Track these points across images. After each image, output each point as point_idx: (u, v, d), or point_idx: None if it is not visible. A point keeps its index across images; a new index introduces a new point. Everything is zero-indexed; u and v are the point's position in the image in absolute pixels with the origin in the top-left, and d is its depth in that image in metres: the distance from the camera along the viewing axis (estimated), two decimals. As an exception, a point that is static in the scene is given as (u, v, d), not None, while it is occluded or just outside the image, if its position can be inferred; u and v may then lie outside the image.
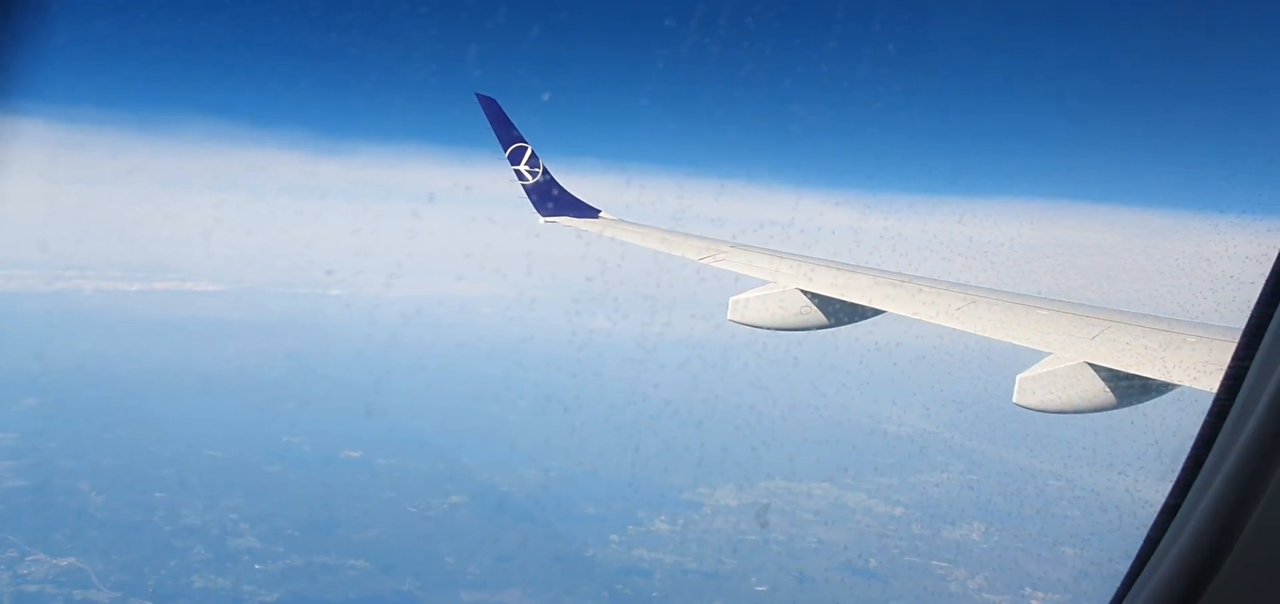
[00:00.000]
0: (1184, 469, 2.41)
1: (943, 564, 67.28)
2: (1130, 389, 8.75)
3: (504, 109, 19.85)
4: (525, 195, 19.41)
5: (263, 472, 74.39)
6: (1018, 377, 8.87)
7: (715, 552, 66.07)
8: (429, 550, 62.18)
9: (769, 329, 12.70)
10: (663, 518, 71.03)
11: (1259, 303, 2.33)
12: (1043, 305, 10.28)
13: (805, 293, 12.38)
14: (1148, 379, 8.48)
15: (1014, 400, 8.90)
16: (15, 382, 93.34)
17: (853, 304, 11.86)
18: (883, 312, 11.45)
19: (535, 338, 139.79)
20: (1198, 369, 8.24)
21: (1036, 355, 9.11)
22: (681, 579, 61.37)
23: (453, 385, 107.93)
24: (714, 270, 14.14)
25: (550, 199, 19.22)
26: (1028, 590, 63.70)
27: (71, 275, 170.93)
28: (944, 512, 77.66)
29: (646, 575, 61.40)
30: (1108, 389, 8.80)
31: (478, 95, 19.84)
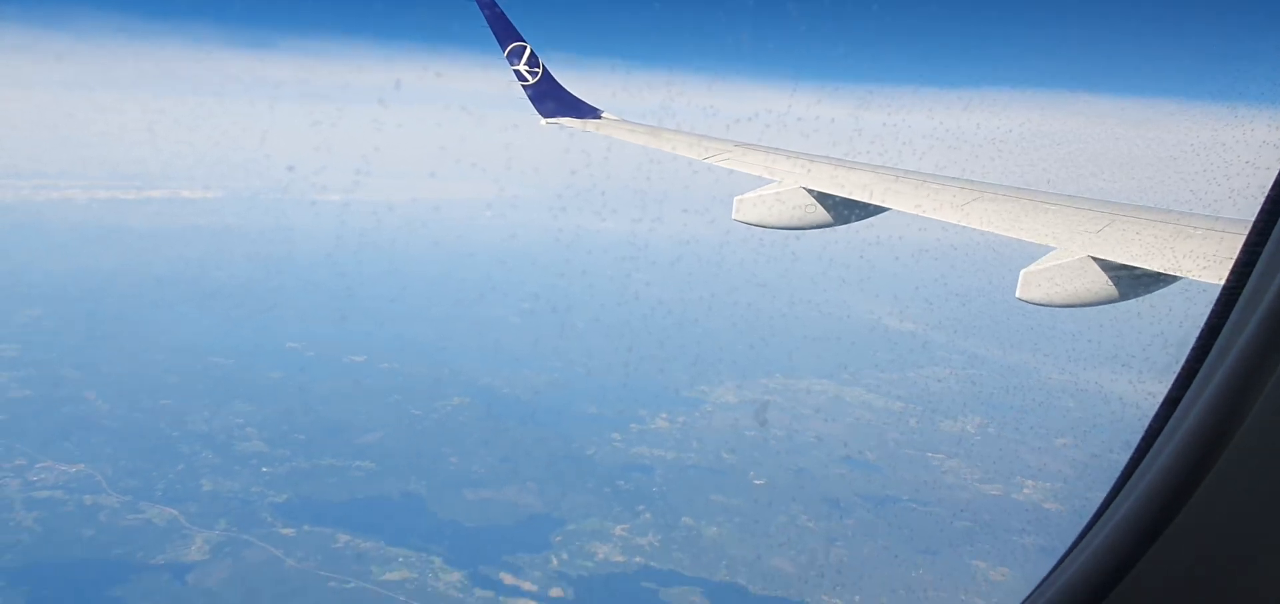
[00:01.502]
0: (1188, 360, 2.29)
1: (939, 456, 68.44)
2: (1134, 281, 8.62)
3: (502, 8, 19.31)
4: (525, 96, 19.03)
5: (267, 377, 75.05)
6: (1021, 271, 8.76)
7: (715, 447, 67.12)
8: (432, 451, 63.12)
9: (773, 228, 12.63)
10: (663, 416, 71.96)
11: (1269, 200, 2.18)
12: (1048, 199, 10.14)
13: (809, 191, 12.30)
14: (1153, 272, 8.34)
15: (1017, 295, 8.79)
16: (14, 293, 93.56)
17: (856, 202, 11.74)
18: (886, 208, 11.32)
19: (538, 241, 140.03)
20: (1205, 260, 8.08)
21: (1041, 250, 9.00)
22: (682, 474, 62.45)
23: (455, 290, 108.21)
24: (716, 169, 13.95)
25: (551, 99, 18.76)
26: (1020, 479, 64.92)
27: (64, 184, 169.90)
28: (942, 406, 78.76)
29: (647, 471, 62.46)
30: (1111, 282, 8.68)
31: None
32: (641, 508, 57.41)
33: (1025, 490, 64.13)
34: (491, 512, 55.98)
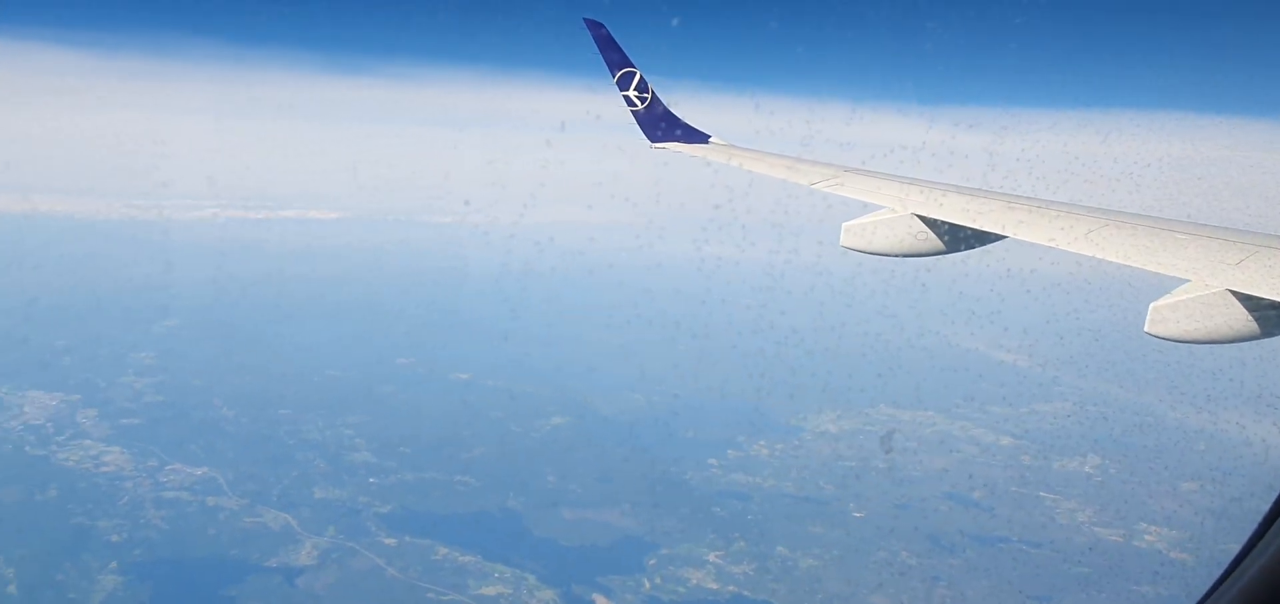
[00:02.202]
0: None
1: (1052, 496, 65.18)
2: (1277, 318, 8.01)
3: (612, 34, 19.60)
4: (634, 121, 19.25)
5: (378, 391, 77.89)
6: (1151, 305, 8.25)
7: (814, 477, 65.81)
8: (532, 469, 64.09)
9: (883, 255, 12.39)
10: (762, 443, 71.07)
11: None
12: (1182, 229, 9.50)
13: (922, 218, 11.97)
14: None
15: (1146, 329, 8.28)
16: (155, 304, 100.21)
17: (970, 228, 11.36)
18: (1003, 236, 10.89)
19: (636, 264, 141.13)
20: None
21: (1173, 283, 8.45)
22: (779, 503, 61.44)
23: (560, 311, 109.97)
24: (828, 196, 13.76)
25: (659, 124, 18.81)
26: (1143, 525, 61.14)
27: (203, 204, 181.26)
28: (1057, 444, 75.09)
29: (744, 499, 61.73)
30: (1251, 318, 8.07)
31: (586, 20, 19.62)
32: (736, 535, 56.73)
33: (1148, 537, 60.36)
34: (587, 532, 56.37)
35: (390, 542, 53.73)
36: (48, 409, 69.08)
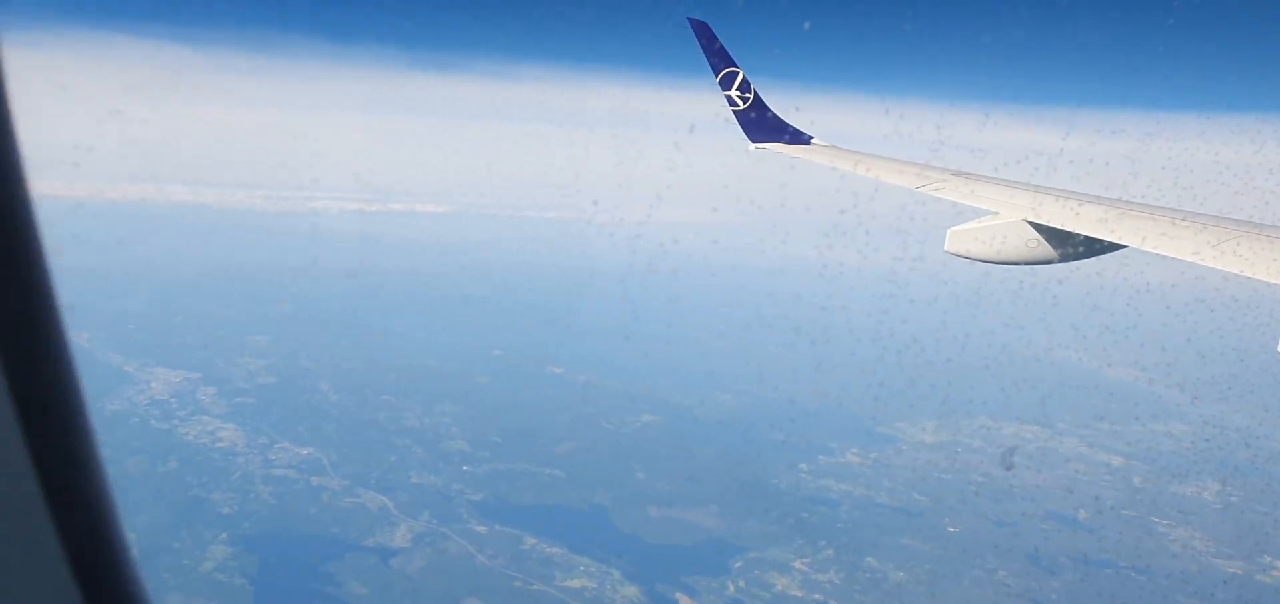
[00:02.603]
0: None
1: (1165, 522, 61.64)
2: None
3: (716, 34, 19.64)
4: (736, 121, 19.26)
5: (474, 382, 79.93)
6: None
7: (907, 488, 64.12)
8: (621, 465, 64.59)
9: (990, 262, 12.03)
10: (854, 450, 69.67)
11: None
12: None
13: (1033, 224, 11.53)
14: None
15: (1279, 349, 7.83)
16: (272, 290, 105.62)
17: (1087, 238, 10.89)
18: (1120, 246, 10.39)
19: (737, 264, 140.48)
20: None
21: None
22: (869, 513, 60.12)
23: (656, 310, 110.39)
24: (930, 199, 13.44)
25: (761, 125, 18.73)
26: (1268, 559, 57.15)
27: (320, 196, 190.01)
28: (1173, 467, 70.99)
29: (833, 506, 60.66)
30: None
31: (690, 20, 19.74)
32: (824, 543, 55.79)
33: (1274, 572, 56.41)
34: (673, 530, 56.44)
35: (481, 529, 55.05)
36: (172, 385, 73.60)
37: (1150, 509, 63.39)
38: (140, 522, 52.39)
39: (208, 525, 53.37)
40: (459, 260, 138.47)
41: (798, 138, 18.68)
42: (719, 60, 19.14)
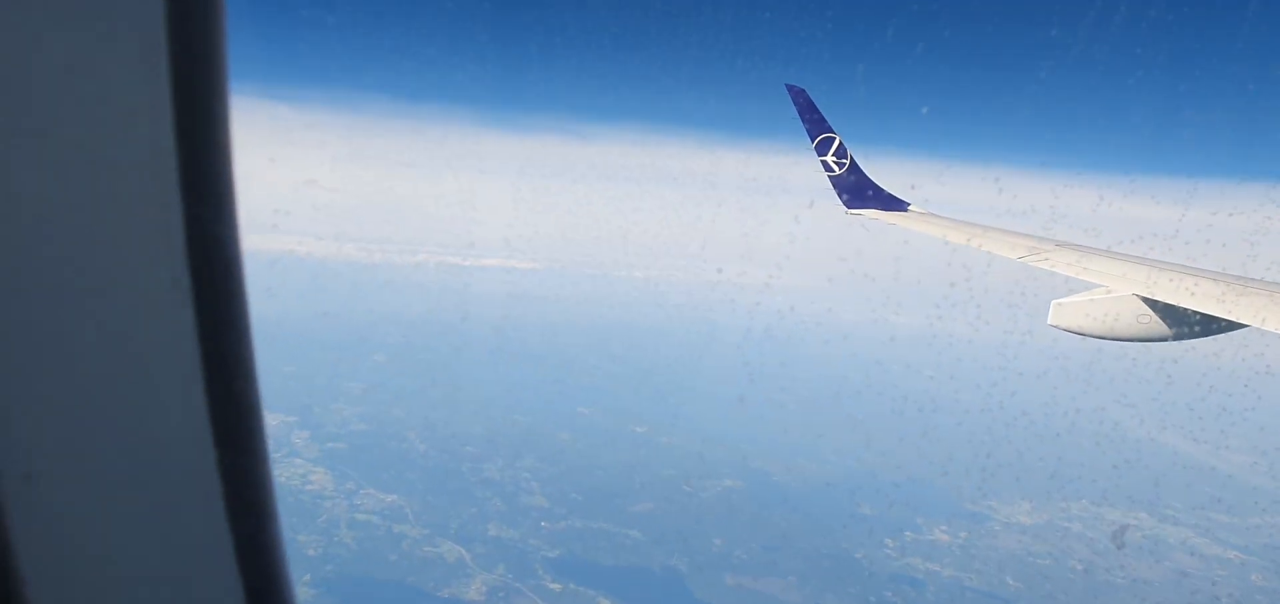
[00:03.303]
0: None
1: (1289, 625, 56.86)
2: None
3: (813, 99, 19.79)
4: (831, 186, 19.30)
5: (556, 438, 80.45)
6: None
7: (998, 570, 61.04)
8: (699, 530, 63.64)
9: (1096, 337, 11.59)
10: (943, 528, 66.90)
11: None
12: None
13: (1145, 299, 11.07)
14: None
15: None
16: (369, 339, 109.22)
17: (1203, 314, 10.35)
18: (1240, 325, 9.83)
19: (829, 329, 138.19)
20: None
21: None
22: (958, 595, 57.44)
23: (743, 372, 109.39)
24: (1035, 271, 13.06)
25: (857, 191, 18.71)
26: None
27: (418, 250, 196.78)
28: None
29: (918, 586, 58.20)
30: None
31: (788, 86, 19.96)
32: (907, 624, 53.53)
33: None
34: (749, 600, 55.19)
35: (555, 586, 54.96)
36: (271, 428, 74.58)
37: (1274, 611, 58.64)
38: (231, 558, 54.33)
39: (295, 566, 53.20)
40: (552, 317, 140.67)
41: (894, 204, 18.57)
42: (816, 126, 19.20)
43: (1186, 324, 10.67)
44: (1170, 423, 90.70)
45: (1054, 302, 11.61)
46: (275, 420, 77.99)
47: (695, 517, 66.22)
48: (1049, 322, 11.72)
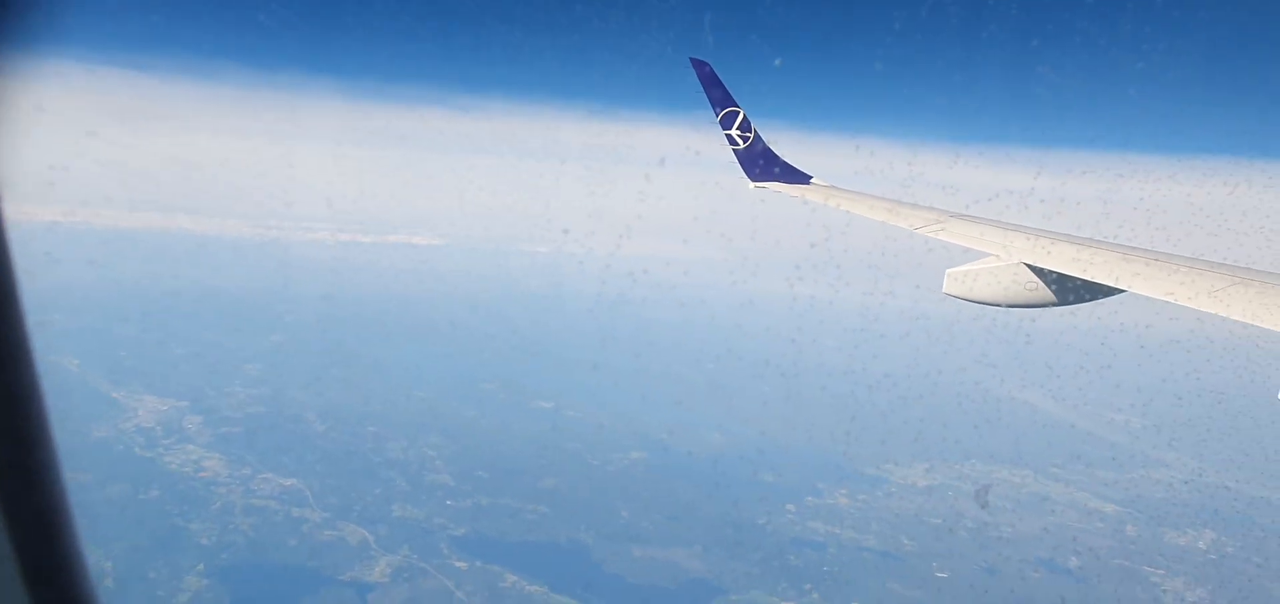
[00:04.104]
0: None
1: (1158, 572, 60.74)
2: None
3: (717, 73, 19.68)
4: (736, 160, 19.26)
5: (461, 415, 79.47)
6: None
7: (897, 531, 63.32)
8: (605, 503, 63.96)
9: (989, 305, 11.93)
10: (843, 492, 68.97)
11: None
12: None
13: (1032, 267, 11.46)
14: None
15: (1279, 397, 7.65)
16: (265, 319, 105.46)
17: (1084, 280, 10.75)
18: (1119, 290, 10.24)
19: (728, 303, 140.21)
20: None
21: None
22: (857, 556, 59.33)
23: (643, 345, 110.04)
24: (932, 242, 13.32)
25: (760, 164, 18.79)
26: (1262, 612, 56.26)
27: (315, 227, 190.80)
28: (1169, 516, 70.13)
29: (820, 549, 59.88)
30: None
31: (692, 59, 19.82)
32: (809, 586, 55.01)
33: (1267, 624, 55.51)
34: (655, 571, 55.73)
35: (461, 565, 54.41)
36: (159, 413, 73.25)
37: (1143, 558, 62.53)
38: (118, 549, 51.79)
39: (185, 555, 52.80)
40: (452, 293, 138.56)
41: (798, 177, 18.70)
42: (720, 99, 19.20)
43: (1071, 290, 11.13)
44: (1057, 385, 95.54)
45: (948, 271, 11.93)
46: (164, 406, 74.74)
47: (601, 490, 66.52)
48: (944, 290, 12.03)
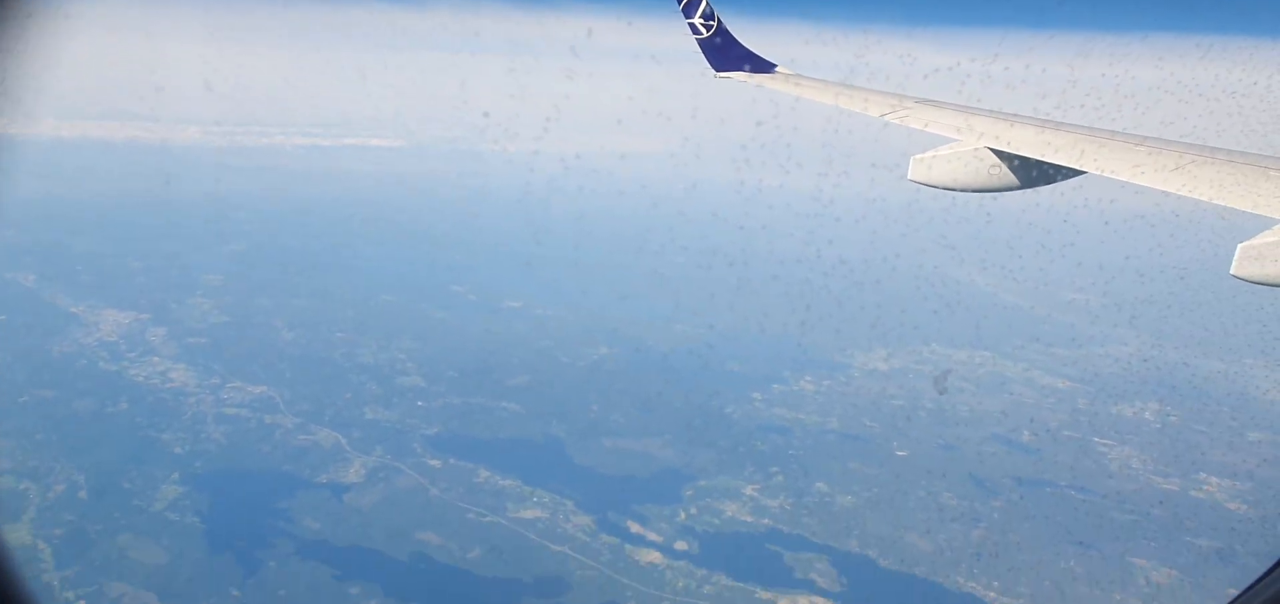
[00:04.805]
0: None
1: (1107, 442, 63.46)
2: None
3: None
4: (699, 49, 19.00)
5: (431, 317, 79.63)
6: (1239, 245, 7.85)
7: (859, 414, 65.26)
8: (576, 398, 65.02)
9: (952, 189, 12.12)
10: (808, 378, 70.64)
11: None
12: (1277, 167, 8.97)
13: (996, 151, 11.59)
14: None
15: (1231, 272, 7.92)
16: (223, 228, 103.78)
17: (1046, 163, 10.98)
18: (1081, 172, 10.50)
19: (697, 194, 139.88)
20: None
21: (1265, 223, 8.01)
22: (820, 440, 61.19)
23: (614, 239, 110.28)
24: (897, 127, 13.43)
25: (724, 53, 18.48)
26: (1202, 475, 59.16)
27: (272, 131, 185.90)
28: (1118, 389, 72.90)
29: (785, 434, 61.63)
30: None
31: None
32: (775, 470, 56.83)
33: (1207, 487, 58.43)
34: (627, 462, 57.13)
35: (434, 463, 55.35)
36: (121, 327, 72.55)
37: (1092, 430, 65.15)
38: (89, 462, 52.04)
39: (159, 465, 53.11)
40: (417, 195, 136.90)
41: (762, 66, 18.54)
42: None
43: (1034, 173, 11.39)
44: (1017, 267, 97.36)
45: (913, 157, 12.10)
46: (126, 319, 74.08)
47: (571, 386, 67.52)
48: (908, 176, 12.21)
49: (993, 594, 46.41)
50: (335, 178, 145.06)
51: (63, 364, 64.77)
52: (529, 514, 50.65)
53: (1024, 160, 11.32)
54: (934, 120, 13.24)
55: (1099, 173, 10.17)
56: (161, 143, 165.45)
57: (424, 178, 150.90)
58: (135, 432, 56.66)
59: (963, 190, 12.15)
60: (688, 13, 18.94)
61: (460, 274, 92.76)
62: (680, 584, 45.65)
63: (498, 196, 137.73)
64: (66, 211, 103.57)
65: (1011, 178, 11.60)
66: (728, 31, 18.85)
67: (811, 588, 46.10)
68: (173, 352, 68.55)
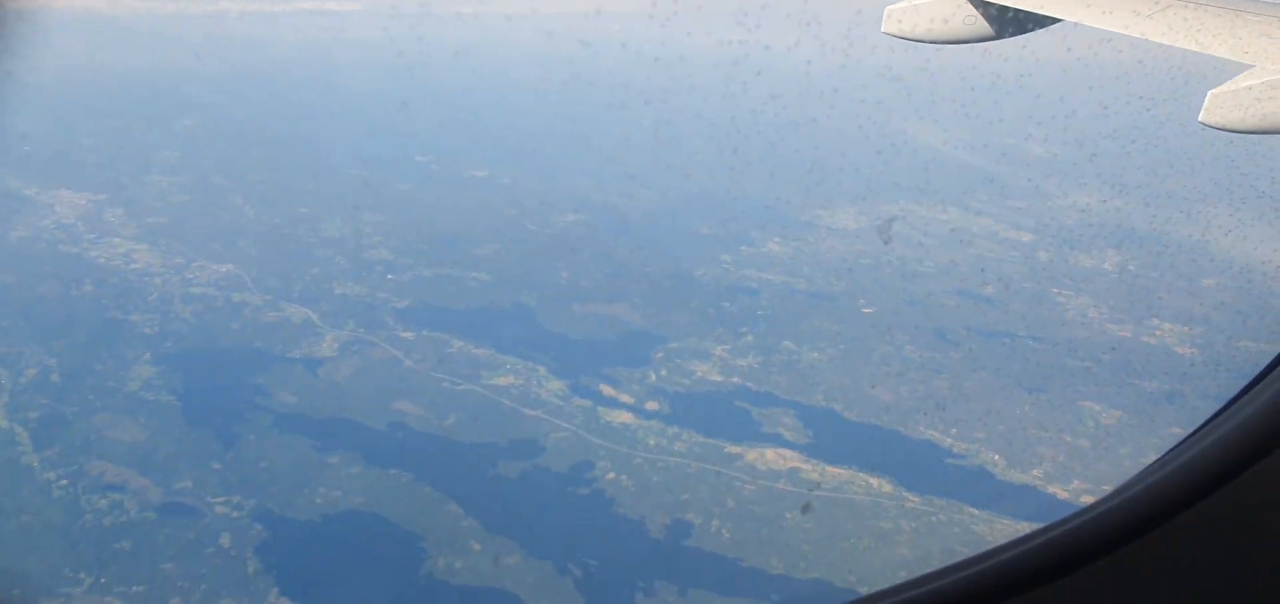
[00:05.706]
0: None
1: (1065, 293, 65.19)
2: None
3: None
4: None
5: (396, 189, 78.59)
6: (1209, 92, 7.86)
7: (826, 272, 66.27)
8: (545, 266, 65.27)
9: (928, 41, 11.91)
10: (776, 239, 71.24)
11: None
12: (1253, 11, 8.86)
13: (971, 0, 11.45)
14: None
15: (1200, 119, 7.97)
16: (174, 102, 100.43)
17: (1024, 12, 10.81)
18: (1057, 20, 10.36)
19: (661, 54, 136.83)
20: None
21: (1236, 69, 7.97)
22: (788, 299, 62.27)
23: (582, 104, 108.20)
24: None
25: None
26: (1154, 321, 61.23)
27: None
28: (1079, 240, 74.28)
29: (753, 294, 62.59)
30: None
31: None
32: (744, 330, 57.95)
33: (1157, 333, 60.54)
34: (597, 326, 57.94)
35: (407, 335, 55.76)
36: (77, 208, 70.97)
37: (1052, 282, 66.76)
38: (59, 346, 51.90)
39: (129, 346, 53.07)
40: (373, 61, 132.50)
41: None
42: None
43: (1009, 21, 11.26)
44: (986, 120, 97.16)
45: (887, 7, 11.91)
46: (82, 200, 72.49)
47: (540, 253, 67.67)
48: (882, 29, 12.05)
49: (949, 440, 48.43)
50: (288, 45, 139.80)
51: (21, 249, 63.71)
52: (502, 381, 51.53)
53: (1001, 8, 11.22)
54: None
55: (1073, 19, 10.10)
56: (102, 11, 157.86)
57: (381, 43, 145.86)
58: (103, 314, 56.31)
59: (938, 41, 12.02)
60: None
61: (423, 143, 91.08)
62: (651, 441, 47.12)
63: (461, 61, 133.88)
64: (8, 87, 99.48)
65: (987, 27, 11.48)
66: None
67: (779, 441, 47.79)
68: (133, 232, 67.43)
